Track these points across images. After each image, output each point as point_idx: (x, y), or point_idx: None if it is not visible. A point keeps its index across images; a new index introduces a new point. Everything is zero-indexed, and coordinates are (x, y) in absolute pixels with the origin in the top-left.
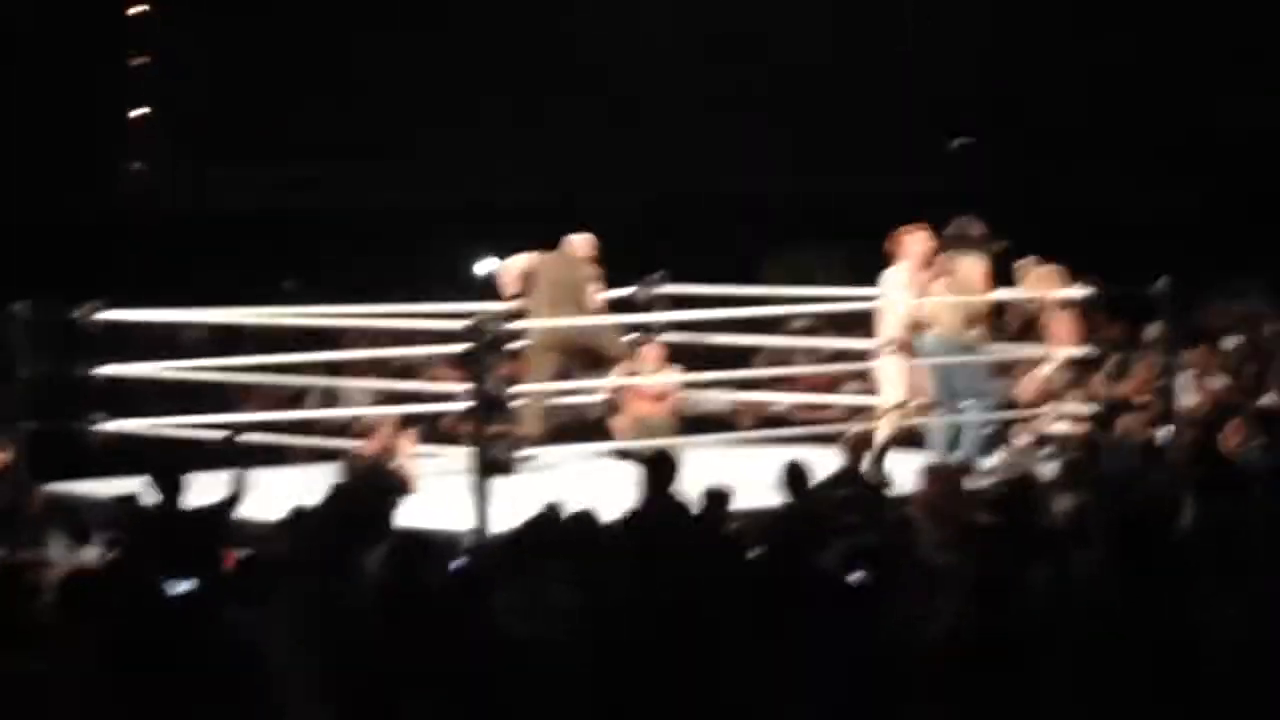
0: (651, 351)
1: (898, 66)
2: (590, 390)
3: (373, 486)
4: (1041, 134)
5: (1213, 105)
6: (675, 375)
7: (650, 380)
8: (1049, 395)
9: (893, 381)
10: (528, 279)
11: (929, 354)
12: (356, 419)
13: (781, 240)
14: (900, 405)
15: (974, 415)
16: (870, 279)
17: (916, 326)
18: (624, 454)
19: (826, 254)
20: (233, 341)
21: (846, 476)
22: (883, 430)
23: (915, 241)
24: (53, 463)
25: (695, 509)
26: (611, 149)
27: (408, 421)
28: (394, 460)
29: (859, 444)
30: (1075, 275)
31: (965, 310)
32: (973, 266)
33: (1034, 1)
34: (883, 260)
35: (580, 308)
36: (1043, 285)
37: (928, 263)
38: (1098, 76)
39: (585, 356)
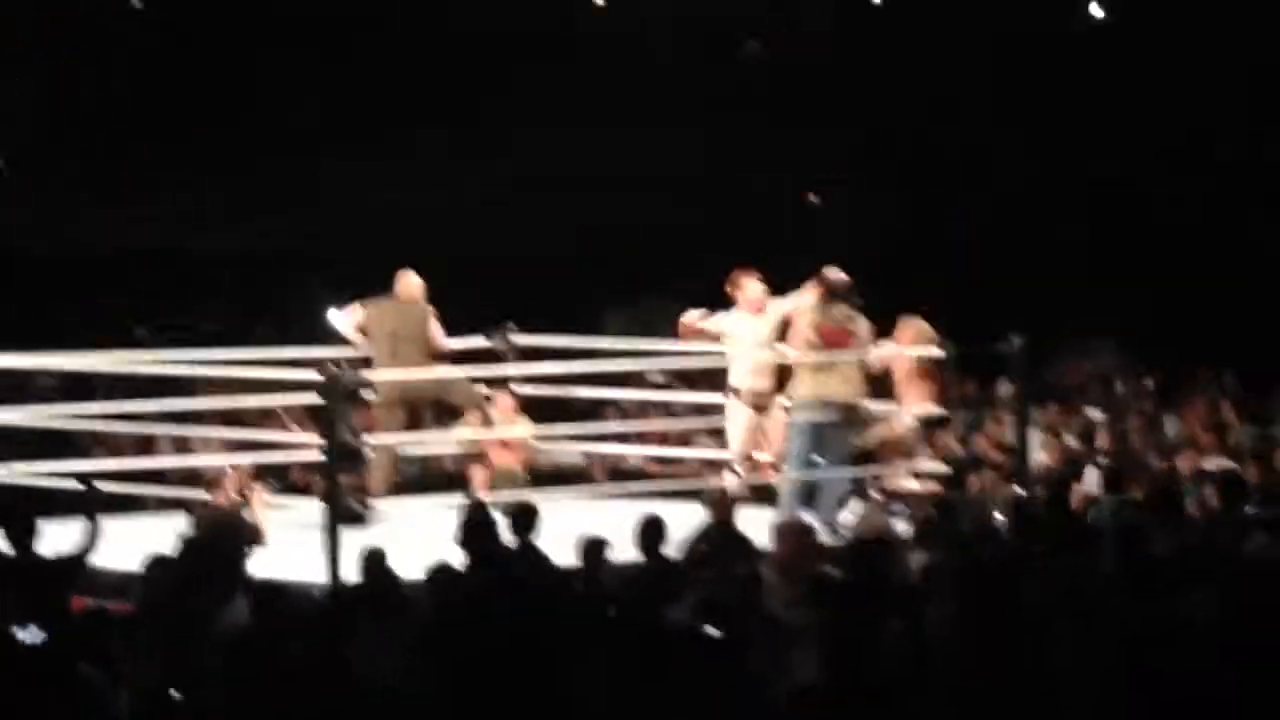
0: (505, 401)
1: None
2: (442, 441)
3: (224, 537)
4: (899, 186)
5: (1075, 157)
6: (527, 427)
7: (503, 432)
8: (900, 451)
9: (736, 433)
10: (365, 330)
11: (805, 413)
12: (207, 468)
13: (622, 290)
14: (745, 459)
15: (834, 474)
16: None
17: (776, 379)
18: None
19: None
20: (84, 388)
21: (712, 532)
22: (727, 485)
23: (754, 286)
24: None
25: (572, 558)
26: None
27: (259, 472)
28: (245, 510)
29: (720, 499)
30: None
31: (860, 370)
32: (865, 324)
33: (894, 48)
34: (723, 303)
35: (424, 354)
36: (908, 340)
37: (762, 307)
38: (958, 126)
39: (435, 406)
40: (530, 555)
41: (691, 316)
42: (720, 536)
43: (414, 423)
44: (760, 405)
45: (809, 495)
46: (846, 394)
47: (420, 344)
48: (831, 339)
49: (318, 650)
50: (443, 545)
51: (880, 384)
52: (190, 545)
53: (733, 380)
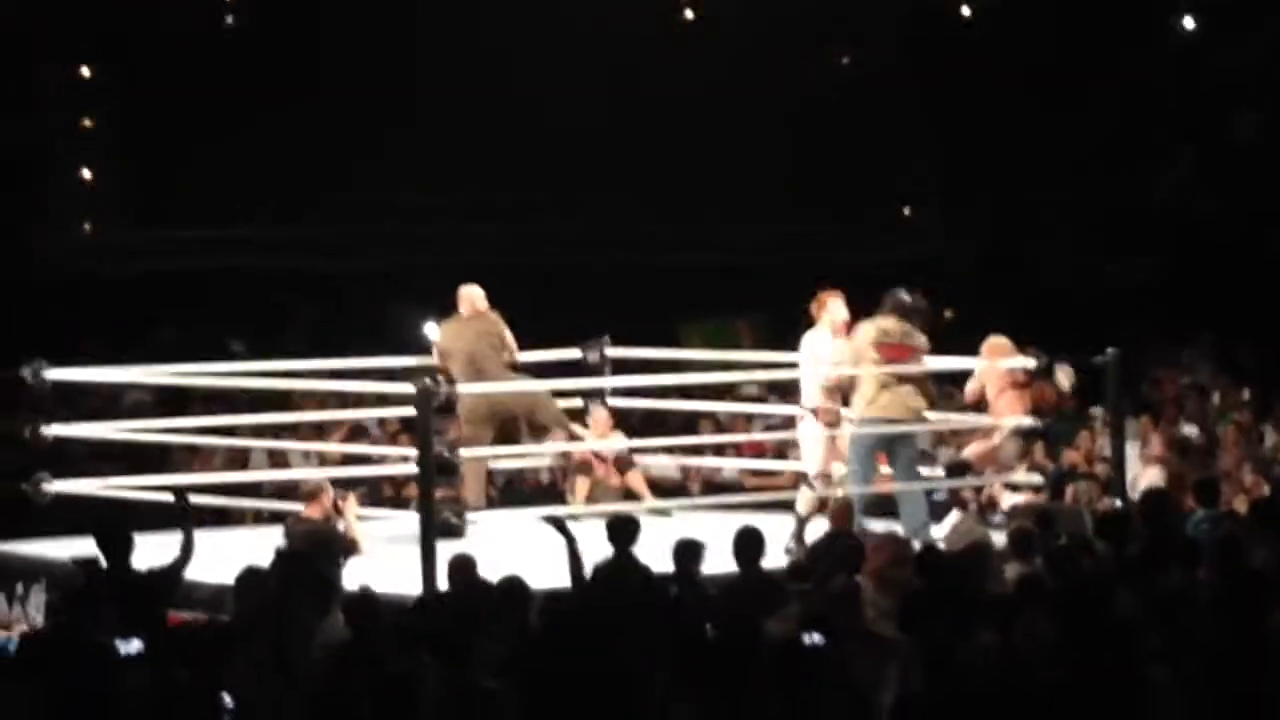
0: (600, 415)
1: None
2: (537, 454)
3: (319, 550)
4: (991, 206)
5: (1160, 179)
6: (622, 440)
7: (599, 445)
8: (997, 464)
9: (812, 450)
10: (443, 355)
11: (869, 429)
12: (302, 481)
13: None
14: (822, 476)
15: (916, 486)
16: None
17: (841, 394)
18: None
19: (743, 320)
20: (179, 403)
21: (830, 541)
22: (801, 502)
23: (838, 306)
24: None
25: (668, 563)
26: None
27: (353, 484)
28: (339, 523)
29: (842, 509)
30: (1022, 346)
31: (924, 382)
32: (922, 338)
33: (979, 69)
34: (804, 324)
35: (504, 367)
36: (993, 355)
37: (847, 328)
38: (1047, 148)
39: (519, 422)
40: (631, 567)
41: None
42: (839, 546)
43: (507, 438)
44: (833, 422)
45: (876, 509)
46: (913, 408)
47: (497, 357)
48: (891, 355)
49: (414, 661)
50: (533, 557)
51: (979, 399)
52: (285, 557)
53: (806, 400)
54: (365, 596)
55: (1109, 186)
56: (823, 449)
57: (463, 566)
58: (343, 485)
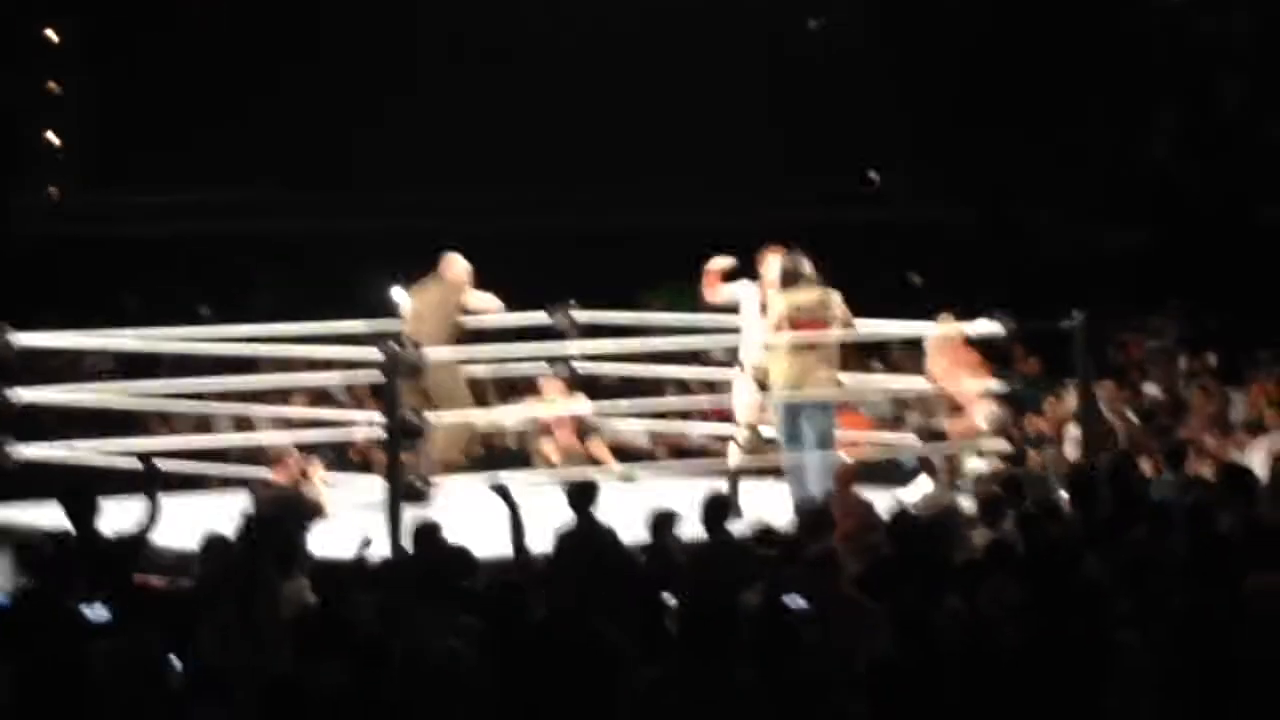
0: (553, 383)
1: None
2: (502, 418)
3: (285, 514)
4: (962, 169)
5: (1142, 144)
6: (584, 404)
7: (563, 408)
8: (972, 438)
9: (741, 406)
10: (415, 316)
11: (783, 395)
12: (268, 446)
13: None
14: (750, 429)
15: (816, 454)
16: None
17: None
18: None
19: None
20: (143, 368)
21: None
22: (731, 458)
23: (775, 264)
24: None
25: (639, 530)
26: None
27: (318, 449)
28: (305, 488)
29: (845, 471)
30: (990, 310)
31: (837, 351)
32: (837, 300)
33: (953, 30)
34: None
35: (440, 335)
36: (942, 338)
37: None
38: (1019, 115)
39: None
40: (594, 532)
41: (718, 264)
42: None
43: (477, 400)
44: (763, 382)
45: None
46: (823, 377)
47: (434, 323)
48: (805, 328)
49: (381, 625)
50: (499, 522)
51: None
52: (251, 522)
53: (741, 354)
54: (332, 563)
55: (1090, 153)
56: (750, 407)
57: (428, 532)
58: (308, 450)
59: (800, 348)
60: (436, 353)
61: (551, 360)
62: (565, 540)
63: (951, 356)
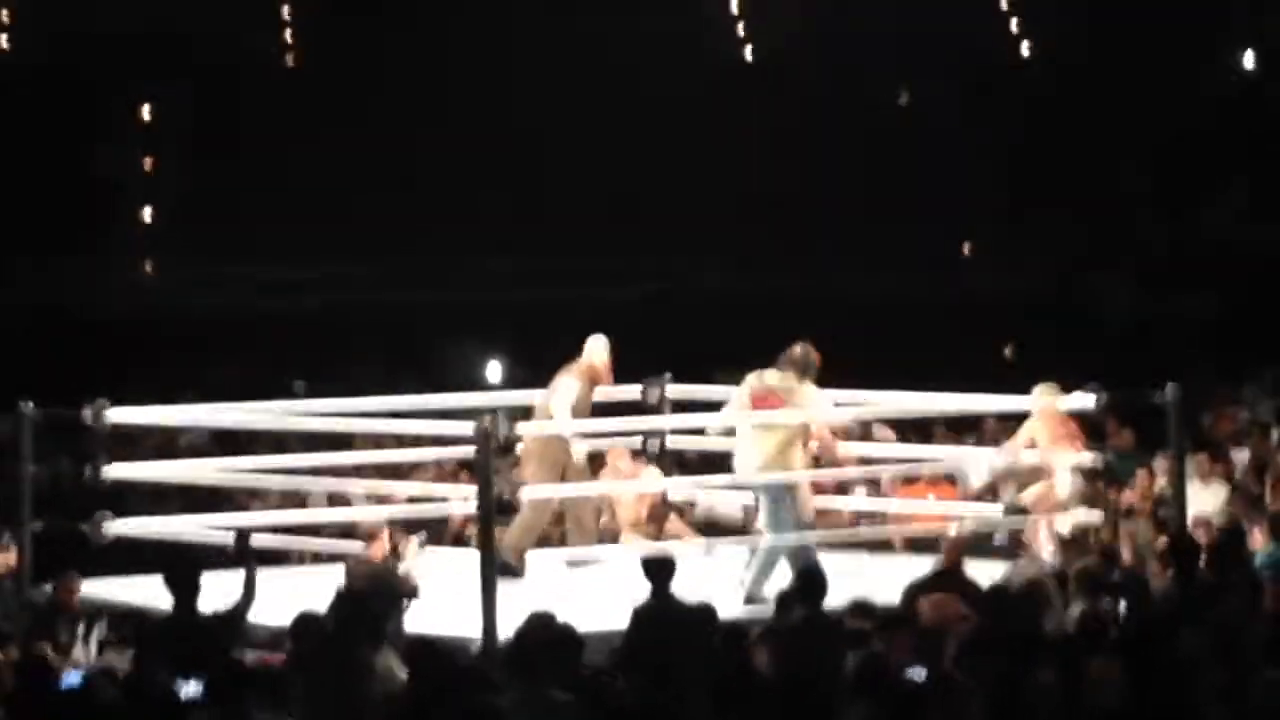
0: (621, 455)
1: (902, 170)
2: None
3: (378, 590)
4: (1049, 241)
5: (1222, 216)
6: (657, 479)
7: (634, 485)
8: (1055, 509)
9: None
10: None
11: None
12: (362, 521)
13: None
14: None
15: (772, 541)
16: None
17: None
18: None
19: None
20: (238, 443)
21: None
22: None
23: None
24: (57, 562)
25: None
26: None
27: (413, 525)
28: (398, 564)
29: (954, 544)
30: (1078, 384)
31: (785, 437)
32: (812, 394)
33: (1039, 106)
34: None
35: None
36: (1045, 410)
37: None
38: (1105, 186)
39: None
40: (670, 606)
41: None
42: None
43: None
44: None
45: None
46: (783, 461)
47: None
48: (759, 403)
49: (473, 707)
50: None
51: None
52: (343, 598)
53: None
54: (423, 641)
55: (1166, 222)
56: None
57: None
58: (404, 527)
59: (762, 429)
60: (525, 427)
61: (646, 434)
62: (643, 616)
63: (1054, 428)
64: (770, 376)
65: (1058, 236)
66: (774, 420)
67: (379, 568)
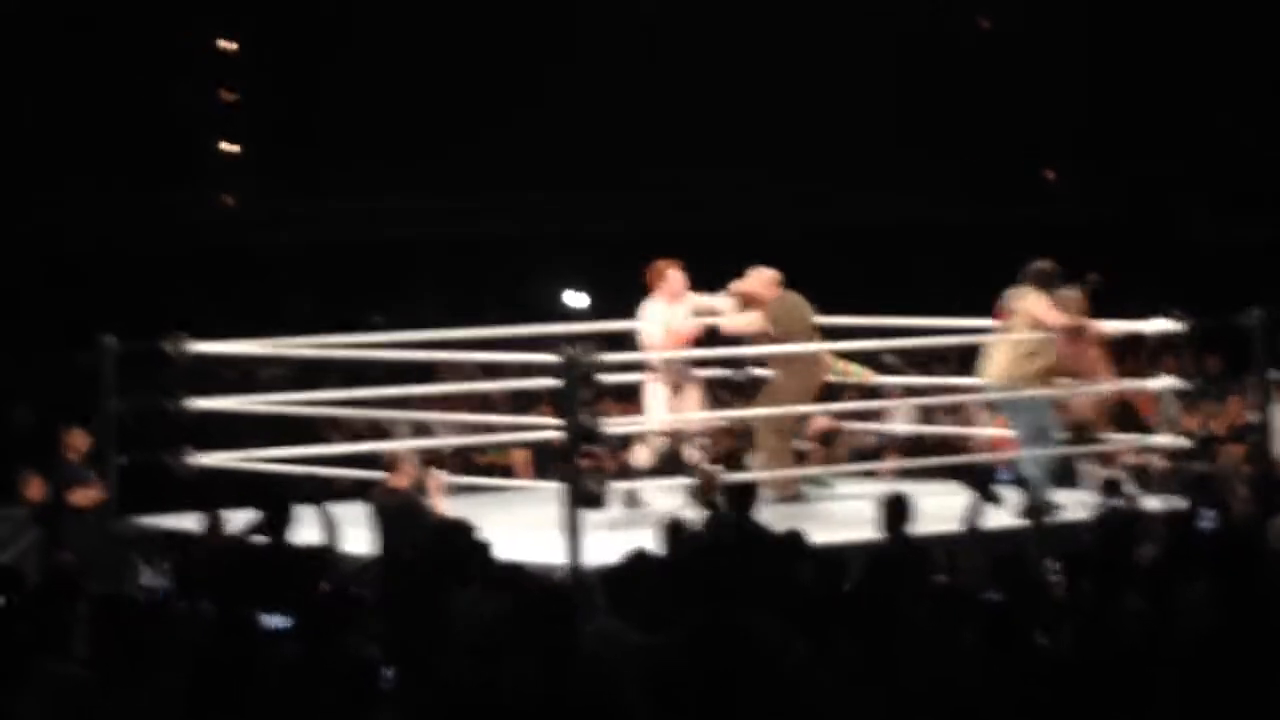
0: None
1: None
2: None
3: (404, 519)
4: (1135, 168)
5: None
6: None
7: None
8: (1108, 421)
9: (656, 408)
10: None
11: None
12: (386, 451)
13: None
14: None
15: (1030, 454)
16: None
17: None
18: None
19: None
20: (319, 376)
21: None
22: (638, 456)
23: (674, 277)
24: (143, 496)
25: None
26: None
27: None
28: (424, 494)
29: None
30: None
31: (1023, 348)
32: (1035, 302)
33: (1126, 40)
34: (646, 291)
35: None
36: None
37: (679, 296)
38: (1188, 112)
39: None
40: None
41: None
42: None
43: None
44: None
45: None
46: (1016, 375)
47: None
48: (997, 318)
49: (552, 630)
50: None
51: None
52: (435, 529)
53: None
54: (510, 567)
55: (1245, 146)
56: (664, 406)
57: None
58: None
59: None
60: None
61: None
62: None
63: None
64: (1011, 293)
65: (1140, 162)
66: (1007, 335)
67: (404, 496)
